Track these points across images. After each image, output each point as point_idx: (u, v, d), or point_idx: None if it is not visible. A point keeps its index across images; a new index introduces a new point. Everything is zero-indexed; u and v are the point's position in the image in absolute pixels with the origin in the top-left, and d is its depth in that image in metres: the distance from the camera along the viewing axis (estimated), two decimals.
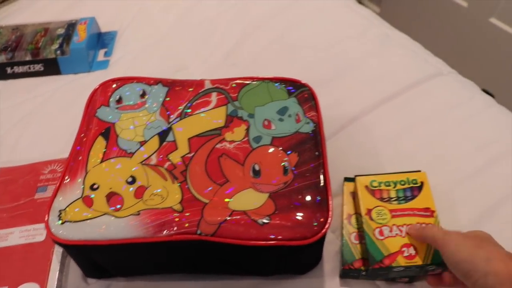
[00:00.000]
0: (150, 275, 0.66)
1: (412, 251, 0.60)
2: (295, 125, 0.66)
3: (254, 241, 0.55)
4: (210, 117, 0.69)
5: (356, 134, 0.82)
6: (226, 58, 0.95)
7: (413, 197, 0.65)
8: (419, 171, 0.68)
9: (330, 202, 0.59)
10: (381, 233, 0.62)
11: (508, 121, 0.87)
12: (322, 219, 0.57)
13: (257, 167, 0.62)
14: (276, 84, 0.71)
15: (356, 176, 0.68)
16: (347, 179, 0.72)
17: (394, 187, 0.66)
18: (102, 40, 1.03)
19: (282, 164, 0.62)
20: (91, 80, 0.90)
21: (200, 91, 0.72)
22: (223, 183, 0.61)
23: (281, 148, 0.64)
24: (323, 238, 0.58)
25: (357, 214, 0.67)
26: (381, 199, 0.65)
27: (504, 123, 0.86)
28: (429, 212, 0.64)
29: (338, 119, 0.83)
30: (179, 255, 0.61)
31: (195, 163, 0.63)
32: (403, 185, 0.66)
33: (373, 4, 2.18)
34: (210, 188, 0.61)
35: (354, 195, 0.69)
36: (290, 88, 0.71)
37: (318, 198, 0.59)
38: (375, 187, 0.66)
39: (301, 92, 0.70)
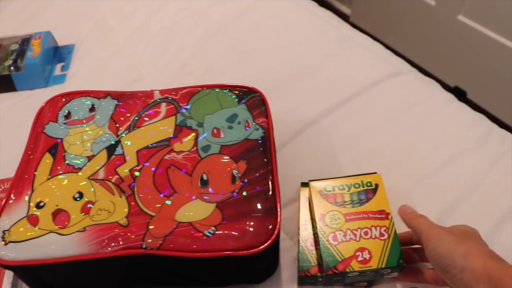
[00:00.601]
0: None
1: (366, 255, 0.59)
2: (244, 132, 0.65)
3: (200, 253, 0.54)
4: (159, 128, 0.67)
5: (314, 138, 0.81)
6: (182, 67, 0.94)
7: (368, 199, 0.64)
8: (374, 173, 0.67)
9: (278, 210, 0.58)
10: (335, 238, 0.61)
11: (467, 118, 0.86)
12: (270, 227, 0.56)
13: (205, 177, 0.61)
14: (226, 91, 0.70)
15: (310, 181, 0.67)
16: (303, 184, 0.71)
17: (348, 191, 0.65)
18: (59, 54, 1.01)
19: (231, 172, 0.61)
20: (47, 95, 0.88)
21: (149, 102, 0.71)
22: (170, 195, 0.60)
23: (229, 157, 0.63)
24: (274, 246, 0.57)
25: (313, 219, 0.66)
26: (335, 203, 0.64)
27: (464, 120, 0.86)
28: (383, 214, 0.63)
29: (296, 123, 0.82)
30: (128, 270, 0.60)
31: (143, 176, 0.62)
32: (357, 188, 0.65)
33: (344, 6, 2.19)
34: (157, 201, 0.59)
35: (310, 200, 0.68)
36: (240, 94, 0.70)
37: (267, 205, 0.58)
38: (329, 191, 0.65)
39: (251, 98, 0.69)
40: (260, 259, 0.57)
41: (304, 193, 0.70)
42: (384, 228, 0.61)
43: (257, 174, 0.61)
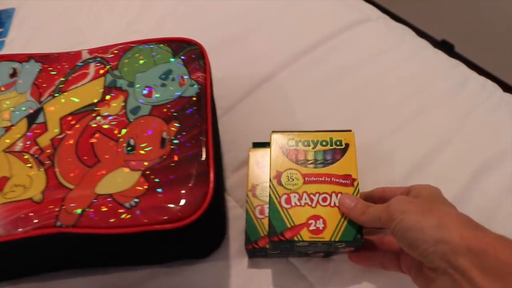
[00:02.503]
0: (31, 276, 0.58)
1: (320, 224, 0.51)
2: (178, 89, 0.58)
3: (118, 228, 0.47)
4: (86, 91, 0.60)
5: (271, 93, 0.73)
6: (129, 25, 0.85)
7: (334, 161, 0.55)
8: (348, 130, 0.58)
9: (211, 175, 0.50)
10: (288, 200, 0.53)
11: (442, 65, 0.79)
12: (201, 195, 0.49)
13: (132, 142, 0.54)
14: (161, 46, 0.62)
15: (273, 132, 0.58)
16: (255, 145, 0.64)
17: (314, 148, 0.56)
18: None
19: (160, 135, 0.53)
20: None
21: (76, 64, 0.63)
22: (93, 164, 0.53)
23: (160, 117, 0.55)
24: (209, 217, 0.50)
25: (264, 182, 0.59)
26: (296, 161, 0.55)
27: (438, 68, 0.78)
28: (349, 179, 0.54)
29: (250, 78, 0.74)
30: (50, 252, 0.53)
31: (65, 145, 0.55)
32: (324, 146, 0.56)
33: None
34: (78, 172, 0.52)
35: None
36: (177, 48, 0.62)
37: (199, 171, 0.51)
38: (291, 146, 0.56)
39: (188, 52, 0.61)
40: (194, 232, 0.50)
41: (254, 154, 0.63)
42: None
43: (190, 136, 0.53)
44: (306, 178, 0.54)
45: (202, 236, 0.54)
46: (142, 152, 0.53)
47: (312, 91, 0.73)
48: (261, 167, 0.61)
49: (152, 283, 0.57)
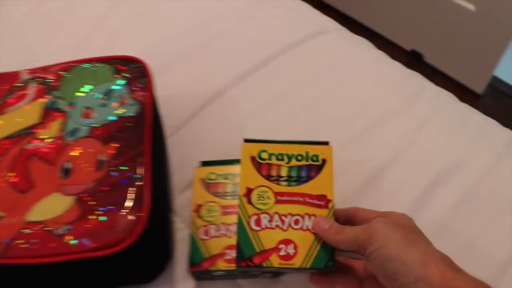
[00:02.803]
0: None
1: (290, 250, 0.48)
2: (118, 109, 0.56)
3: (48, 257, 0.45)
4: (24, 113, 0.58)
5: (222, 110, 0.72)
6: (81, 44, 0.84)
7: (309, 178, 0.52)
8: (326, 143, 0.54)
9: (147, 198, 0.49)
10: (258, 222, 0.49)
11: (398, 76, 0.78)
12: (135, 219, 0.47)
13: (67, 166, 0.52)
14: (103, 65, 0.61)
15: (245, 140, 0.54)
16: (205, 163, 0.62)
17: (288, 163, 0.53)
18: None
19: (96, 158, 0.52)
20: None
21: (14, 85, 0.61)
22: (27, 190, 0.50)
23: (98, 139, 0.53)
24: (146, 240, 0.48)
25: (212, 202, 0.57)
26: (268, 176, 0.52)
27: (393, 79, 0.78)
28: (324, 201, 0.51)
29: (201, 95, 0.73)
30: None
31: None
32: (299, 161, 0.53)
33: None
34: (10, 198, 0.50)
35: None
36: (119, 67, 0.60)
37: (134, 194, 0.49)
38: (264, 159, 0.53)
39: (131, 70, 0.60)
40: (131, 257, 0.48)
41: (200, 173, 0.61)
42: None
43: (127, 157, 0.52)
44: (278, 197, 0.51)
45: (142, 261, 0.52)
46: (77, 175, 0.51)
47: (265, 106, 0.72)
48: (207, 186, 0.59)
49: None
